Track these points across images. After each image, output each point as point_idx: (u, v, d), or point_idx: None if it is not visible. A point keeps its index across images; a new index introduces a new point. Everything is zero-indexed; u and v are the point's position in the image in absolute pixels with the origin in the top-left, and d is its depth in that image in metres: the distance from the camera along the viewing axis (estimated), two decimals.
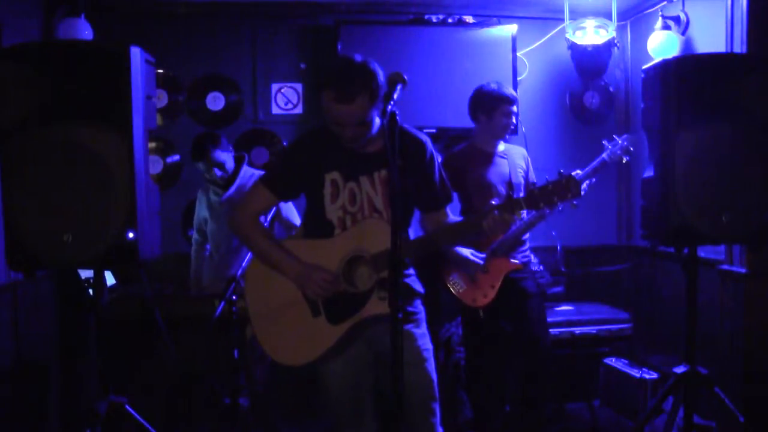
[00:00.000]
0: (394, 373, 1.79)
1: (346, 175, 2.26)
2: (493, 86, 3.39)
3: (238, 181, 3.61)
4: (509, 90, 3.40)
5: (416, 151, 2.31)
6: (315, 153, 2.28)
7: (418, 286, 2.39)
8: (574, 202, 2.17)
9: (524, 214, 3.42)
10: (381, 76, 2.18)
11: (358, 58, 2.19)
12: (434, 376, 2.34)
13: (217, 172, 3.58)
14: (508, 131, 3.44)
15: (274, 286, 2.29)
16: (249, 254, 2.99)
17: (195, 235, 3.84)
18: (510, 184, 3.40)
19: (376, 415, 2.39)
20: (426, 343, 2.35)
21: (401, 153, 2.21)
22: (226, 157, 3.60)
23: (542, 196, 2.15)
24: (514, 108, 3.40)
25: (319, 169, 2.27)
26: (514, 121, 3.42)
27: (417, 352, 2.30)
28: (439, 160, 2.41)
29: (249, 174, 3.65)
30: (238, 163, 3.68)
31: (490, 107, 3.37)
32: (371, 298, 2.20)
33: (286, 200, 2.37)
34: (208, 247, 3.79)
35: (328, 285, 2.21)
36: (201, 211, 3.76)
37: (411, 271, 2.39)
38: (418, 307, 2.39)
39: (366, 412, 2.36)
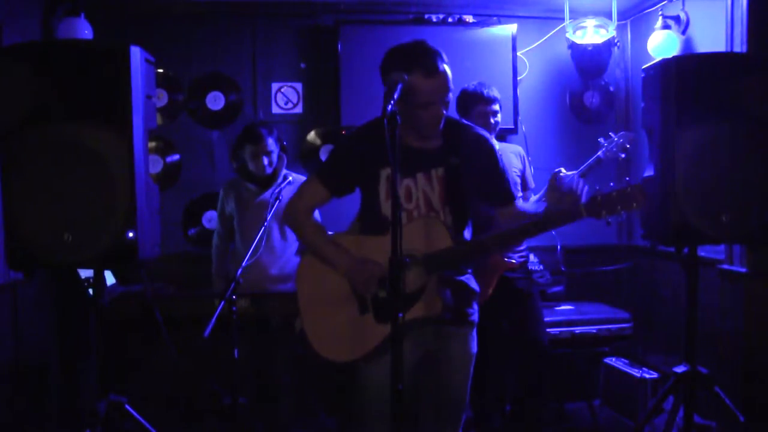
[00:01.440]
0: (394, 373, 1.79)
1: (403, 172, 2.20)
2: (472, 86, 3.37)
3: (276, 183, 3.57)
4: (489, 90, 3.34)
5: (477, 146, 2.28)
6: (371, 147, 2.22)
7: (474, 284, 2.36)
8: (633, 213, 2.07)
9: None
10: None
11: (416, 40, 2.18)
12: (470, 381, 2.34)
13: (264, 160, 3.54)
14: (492, 132, 3.36)
15: (325, 280, 2.26)
16: (249, 253, 3.02)
17: (219, 229, 3.76)
18: None
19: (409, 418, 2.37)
20: (474, 347, 2.36)
21: (460, 150, 2.24)
22: (275, 149, 3.58)
23: (606, 204, 2.06)
24: (495, 107, 3.33)
25: (374, 164, 2.23)
26: (494, 121, 3.35)
27: (466, 358, 2.32)
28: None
29: (287, 177, 3.60)
30: (279, 162, 3.65)
31: (467, 108, 3.36)
32: (420, 299, 2.15)
33: (339, 195, 2.32)
34: (237, 243, 3.76)
35: (377, 279, 2.17)
36: (228, 206, 3.71)
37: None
38: (474, 306, 2.37)
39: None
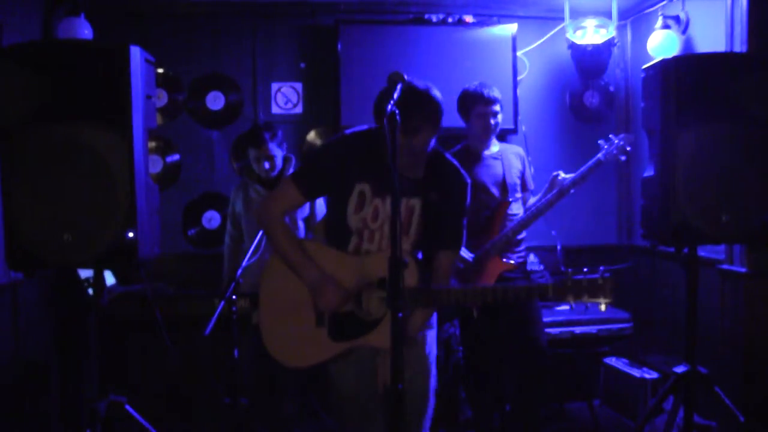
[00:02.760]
0: (394, 373, 1.79)
1: (375, 190, 2.21)
2: (473, 87, 3.35)
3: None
4: (490, 90, 3.31)
5: (457, 190, 2.29)
6: (351, 159, 2.23)
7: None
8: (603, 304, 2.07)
9: (520, 210, 3.43)
10: (441, 103, 2.13)
11: (422, 86, 2.11)
12: (433, 385, 2.34)
13: (266, 165, 3.53)
14: (491, 132, 3.36)
15: (288, 283, 2.27)
16: (249, 253, 3.02)
17: (230, 229, 3.74)
18: (504, 185, 3.38)
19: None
20: (432, 348, 2.35)
21: (441, 185, 2.24)
22: (278, 153, 3.56)
23: (574, 290, 2.05)
24: (495, 108, 3.31)
25: (351, 177, 2.23)
26: (494, 122, 3.33)
27: (423, 361, 2.31)
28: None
29: None
30: (285, 164, 3.64)
31: (466, 109, 3.35)
32: (378, 327, 2.16)
33: (312, 200, 2.35)
34: (245, 244, 3.74)
35: (338, 301, 2.18)
36: (237, 207, 3.71)
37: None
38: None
39: (376, 416, 2.32)
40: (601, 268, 2.06)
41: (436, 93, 2.12)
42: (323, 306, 2.21)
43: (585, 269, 2.11)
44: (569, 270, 4.12)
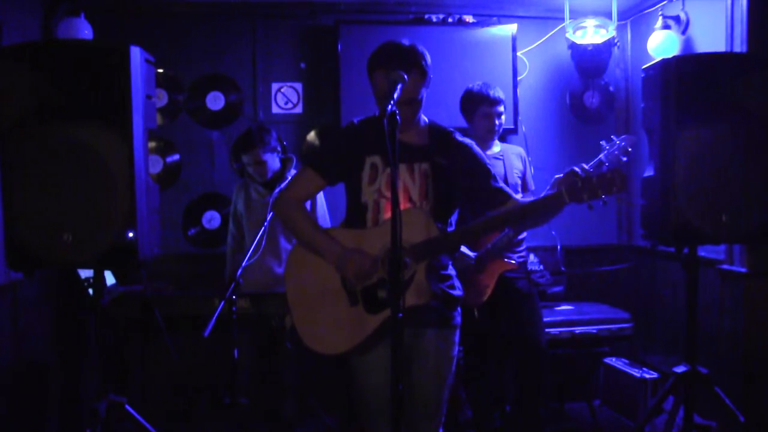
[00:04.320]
0: (394, 373, 1.79)
1: (387, 161, 2.26)
2: (477, 87, 3.35)
3: (280, 186, 3.57)
4: (494, 90, 3.32)
5: (463, 152, 2.33)
6: (359, 137, 2.32)
7: (457, 291, 2.37)
8: (621, 196, 2.15)
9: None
10: (428, 57, 2.26)
11: (407, 41, 2.26)
12: (450, 383, 2.35)
13: (257, 169, 3.55)
14: (495, 133, 3.36)
15: (314, 273, 2.29)
16: (249, 253, 3.02)
17: (232, 229, 3.74)
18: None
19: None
20: (454, 350, 2.36)
21: (447, 153, 2.31)
22: (270, 158, 3.56)
23: (586, 188, 2.11)
24: (500, 108, 3.31)
25: (361, 152, 2.31)
26: (498, 122, 3.33)
27: (442, 359, 2.31)
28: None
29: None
30: (286, 165, 3.64)
31: (470, 109, 3.35)
32: (410, 287, 2.17)
33: (332, 183, 2.39)
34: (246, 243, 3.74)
35: (367, 269, 2.20)
36: (238, 206, 3.71)
37: (451, 271, 2.38)
38: (458, 310, 2.38)
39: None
40: (603, 197, 2.11)
41: (422, 48, 2.27)
42: (353, 276, 2.21)
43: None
44: (566, 269, 4.14)
